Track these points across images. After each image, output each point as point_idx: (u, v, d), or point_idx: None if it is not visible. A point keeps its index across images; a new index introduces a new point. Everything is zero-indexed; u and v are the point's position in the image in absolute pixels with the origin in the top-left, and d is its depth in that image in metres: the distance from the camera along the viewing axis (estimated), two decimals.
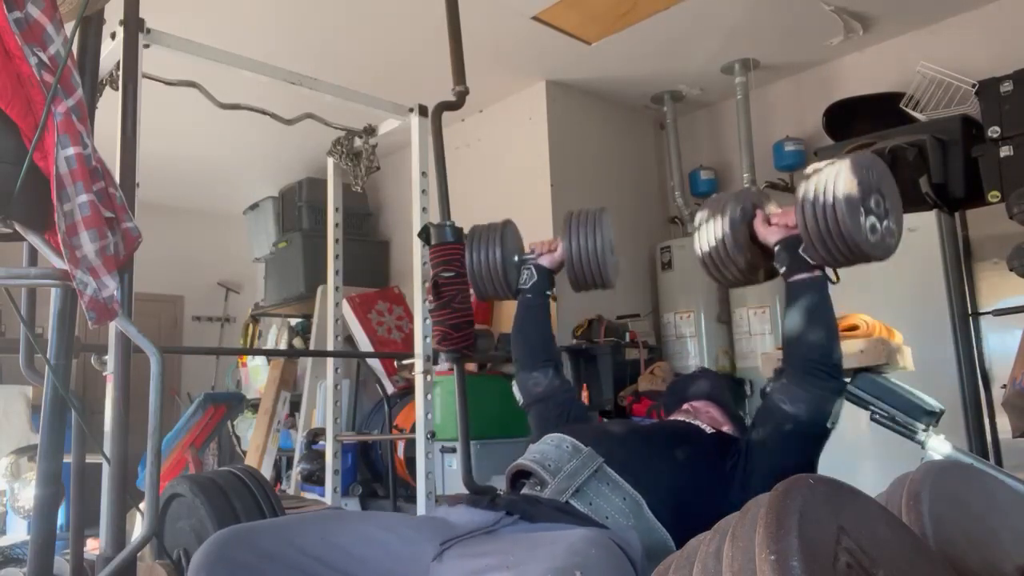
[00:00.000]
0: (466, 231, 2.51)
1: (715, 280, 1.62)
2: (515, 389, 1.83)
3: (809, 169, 1.46)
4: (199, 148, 5.33)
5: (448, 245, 2.42)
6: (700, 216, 1.60)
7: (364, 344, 4.50)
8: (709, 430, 1.59)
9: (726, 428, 1.68)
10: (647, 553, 1.24)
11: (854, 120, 3.91)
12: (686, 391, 1.83)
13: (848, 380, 1.69)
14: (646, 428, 1.65)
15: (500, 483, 1.58)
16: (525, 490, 1.44)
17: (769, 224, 1.52)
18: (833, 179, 1.38)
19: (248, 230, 6.28)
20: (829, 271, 1.48)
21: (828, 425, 1.41)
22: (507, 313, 4.51)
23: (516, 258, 1.90)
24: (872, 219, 1.40)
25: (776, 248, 1.50)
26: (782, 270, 1.49)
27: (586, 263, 1.78)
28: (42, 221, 1.32)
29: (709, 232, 1.55)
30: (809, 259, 1.44)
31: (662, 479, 1.40)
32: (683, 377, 2.04)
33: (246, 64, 2.35)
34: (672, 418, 1.75)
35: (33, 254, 1.61)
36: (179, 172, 5.69)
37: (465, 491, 2.30)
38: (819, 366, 1.41)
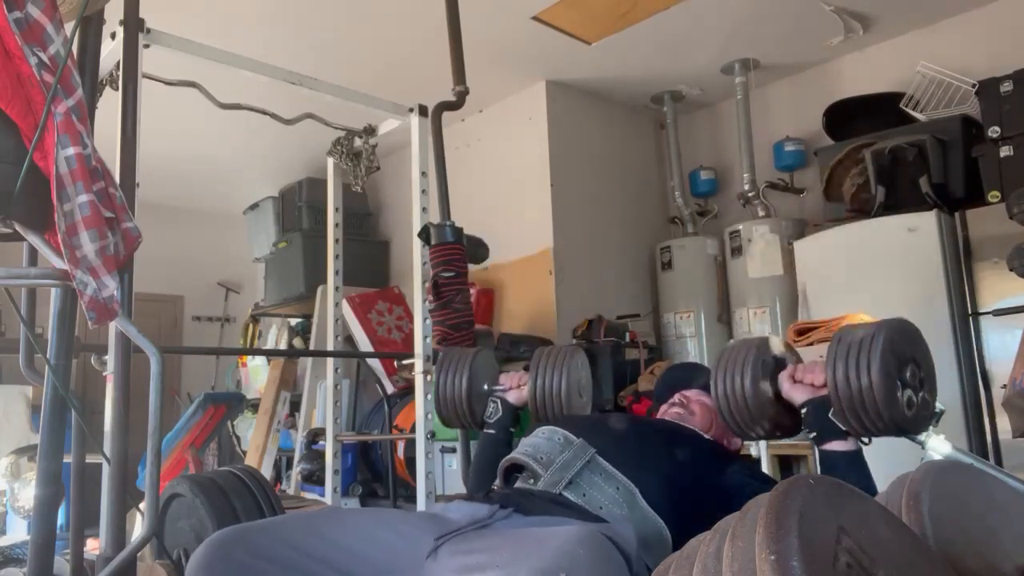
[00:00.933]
0: (466, 231, 2.52)
1: (733, 433, 1.52)
2: None
3: (838, 331, 1.36)
4: (199, 148, 5.33)
5: (448, 245, 2.43)
6: (717, 368, 1.48)
7: (364, 344, 4.50)
8: (706, 436, 1.59)
9: (718, 418, 1.67)
10: (643, 543, 1.24)
11: (854, 120, 3.91)
12: (677, 381, 1.82)
13: None
14: (639, 419, 1.65)
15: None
16: (518, 483, 1.45)
17: (794, 381, 1.42)
18: (866, 350, 1.29)
19: (248, 230, 6.28)
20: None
21: None
22: (507, 312, 4.51)
23: (485, 387, 1.85)
24: (908, 392, 1.31)
25: (803, 410, 1.40)
26: (811, 436, 1.40)
27: (548, 405, 1.72)
28: (42, 221, 1.32)
29: (729, 387, 1.44)
30: (840, 425, 1.35)
31: (655, 467, 1.41)
32: (673, 367, 2.03)
33: (246, 64, 2.35)
34: (663, 411, 1.74)
35: (33, 254, 1.61)
36: (179, 172, 5.69)
37: (465, 491, 2.30)
38: None
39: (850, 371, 1.29)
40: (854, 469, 1.35)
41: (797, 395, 1.41)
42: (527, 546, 1.11)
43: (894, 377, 1.28)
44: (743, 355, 1.45)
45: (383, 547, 1.26)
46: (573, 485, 1.36)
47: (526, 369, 1.84)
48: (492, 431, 1.80)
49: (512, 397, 1.81)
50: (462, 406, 1.82)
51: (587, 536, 1.12)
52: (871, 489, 1.34)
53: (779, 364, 1.46)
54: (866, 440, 1.36)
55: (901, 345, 1.32)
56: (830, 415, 1.34)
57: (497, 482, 1.52)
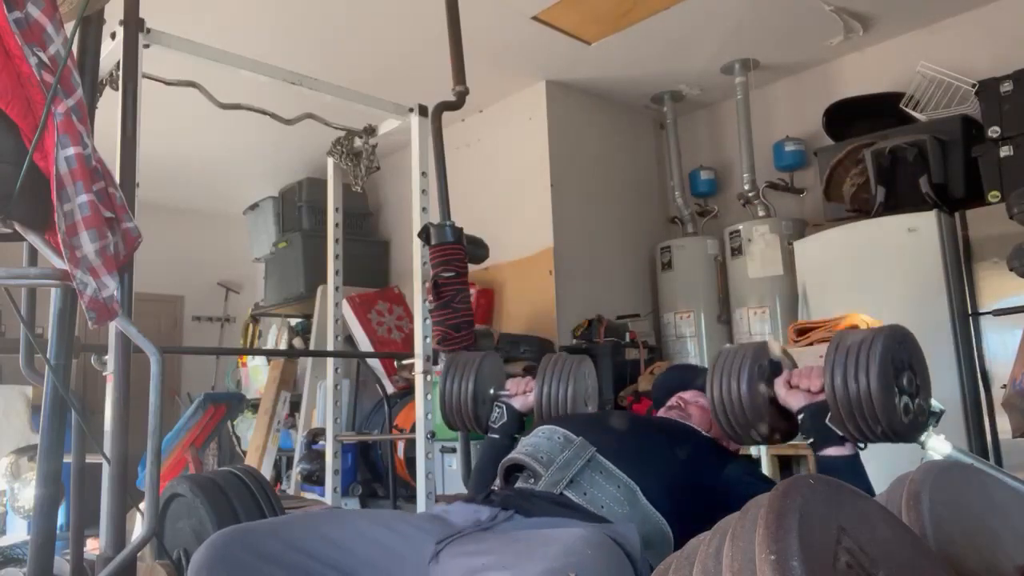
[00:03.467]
0: (466, 231, 2.52)
1: (729, 438, 1.51)
2: None
3: (835, 337, 1.35)
4: (199, 148, 5.33)
5: (448, 245, 2.43)
6: (712, 374, 1.46)
7: (364, 344, 4.50)
8: (705, 434, 1.59)
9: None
10: (645, 541, 1.24)
11: (854, 120, 3.91)
12: (674, 382, 1.82)
13: None
14: (638, 416, 1.65)
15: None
16: (519, 484, 1.44)
17: (791, 387, 1.41)
18: (864, 355, 1.28)
19: (248, 230, 6.28)
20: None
21: None
22: (507, 313, 4.51)
23: (492, 391, 1.85)
24: (906, 399, 1.31)
25: (800, 416, 1.39)
26: (808, 442, 1.39)
27: (554, 413, 1.71)
28: (42, 221, 1.32)
29: (725, 393, 1.42)
30: (837, 431, 1.34)
31: (656, 465, 1.41)
32: (669, 369, 2.03)
33: (246, 64, 2.35)
34: (662, 415, 1.75)
35: (33, 254, 1.61)
36: (179, 172, 5.69)
37: (465, 491, 2.30)
38: None
39: (848, 378, 1.28)
40: (852, 474, 1.33)
41: (794, 401, 1.40)
42: (533, 547, 1.11)
43: (892, 384, 1.28)
44: (739, 360, 1.43)
45: (385, 549, 1.26)
46: (574, 484, 1.35)
47: (527, 370, 1.84)
48: (496, 436, 1.79)
49: (518, 403, 1.81)
50: (467, 411, 1.81)
51: (593, 537, 1.12)
52: (870, 493, 1.32)
53: (775, 369, 1.45)
54: (862, 445, 1.35)
55: (898, 352, 1.31)
56: (827, 421, 1.33)
57: (497, 482, 1.52)
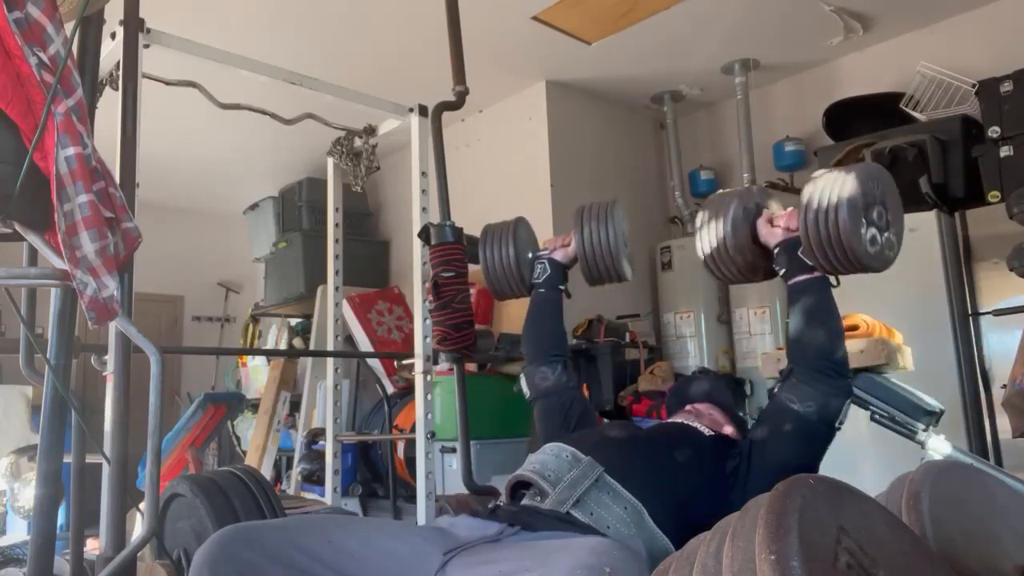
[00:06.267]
0: (466, 231, 2.52)
1: (714, 276, 1.63)
2: (522, 382, 1.84)
3: (815, 174, 1.46)
4: (199, 148, 5.33)
5: (448, 245, 2.42)
6: (702, 213, 1.59)
7: (364, 344, 4.50)
8: (708, 432, 1.59)
9: (727, 430, 1.67)
10: (651, 561, 1.24)
11: (854, 120, 3.91)
12: (687, 393, 1.83)
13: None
14: (645, 433, 1.65)
15: (501, 484, 1.57)
16: (525, 501, 1.43)
17: (771, 225, 1.52)
18: (838, 187, 1.38)
19: (248, 230, 6.28)
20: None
21: (836, 425, 1.42)
22: (507, 313, 4.51)
23: (530, 254, 1.91)
24: (873, 231, 1.40)
25: (776, 250, 1.50)
26: (781, 272, 1.50)
27: (599, 256, 1.78)
28: (42, 221, 1.32)
29: (711, 230, 1.55)
30: (808, 262, 1.45)
31: (663, 487, 1.40)
32: (684, 379, 2.04)
33: (246, 64, 2.35)
34: (672, 419, 1.75)
35: (33, 254, 1.61)
36: (179, 172, 5.69)
37: (465, 491, 2.30)
38: (826, 365, 1.42)
39: (820, 206, 1.39)
40: (817, 291, 1.45)
41: (772, 238, 1.51)
42: (553, 552, 1.11)
43: (860, 214, 1.37)
44: (726, 201, 1.55)
45: (391, 557, 1.26)
46: (581, 504, 1.34)
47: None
48: (543, 289, 1.85)
49: (559, 256, 1.88)
50: (513, 273, 1.87)
51: (611, 542, 1.13)
52: (834, 311, 1.46)
53: (759, 211, 1.55)
54: (834, 282, 1.46)
55: (871, 186, 1.41)
56: (799, 253, 1.45)
57: (503, 498, 1.51)
